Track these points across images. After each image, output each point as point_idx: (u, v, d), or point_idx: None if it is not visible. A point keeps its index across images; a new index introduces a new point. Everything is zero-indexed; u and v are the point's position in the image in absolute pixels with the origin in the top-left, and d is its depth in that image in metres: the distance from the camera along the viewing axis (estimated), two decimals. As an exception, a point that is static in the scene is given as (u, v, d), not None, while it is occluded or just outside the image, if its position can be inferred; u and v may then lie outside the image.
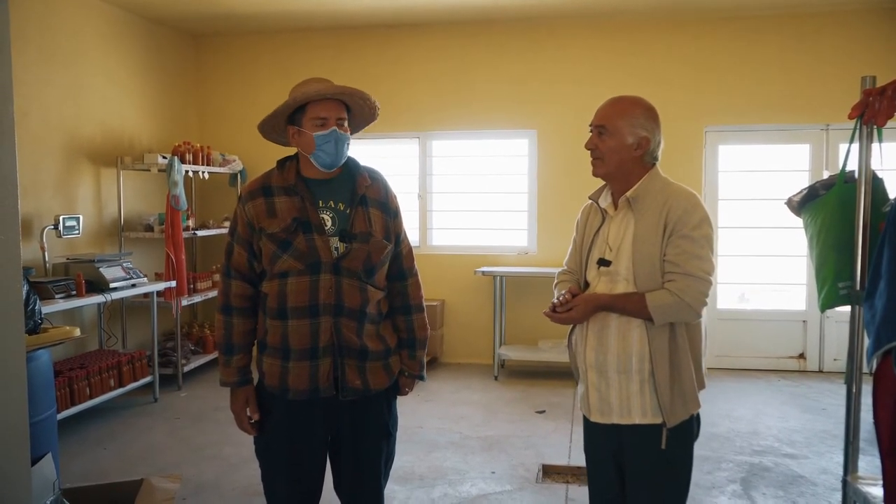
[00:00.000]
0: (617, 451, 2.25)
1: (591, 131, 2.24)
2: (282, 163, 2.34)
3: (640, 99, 2.23)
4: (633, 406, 2.16)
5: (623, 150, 2.18)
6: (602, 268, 2.21)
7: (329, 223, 2.25)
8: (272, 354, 2.27)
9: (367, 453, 2.35)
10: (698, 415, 2.24)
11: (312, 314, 2.22)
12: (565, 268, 2.43)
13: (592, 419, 2.27)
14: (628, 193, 2.19)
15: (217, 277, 6.46)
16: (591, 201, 2.36)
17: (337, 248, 2.23)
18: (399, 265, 2.41)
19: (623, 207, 2.22)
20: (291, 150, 2.35)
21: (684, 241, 2.09)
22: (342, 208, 2.27)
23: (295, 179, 2.27)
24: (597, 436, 2.31)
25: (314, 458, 2.34)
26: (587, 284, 2.28)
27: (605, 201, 2.29)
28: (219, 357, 2.37)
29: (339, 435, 2.33)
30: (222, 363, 2.33)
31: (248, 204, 2.28)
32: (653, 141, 2.19)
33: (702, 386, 2.21)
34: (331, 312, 2.22)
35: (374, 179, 2.35)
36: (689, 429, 2.20)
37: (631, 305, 2.12)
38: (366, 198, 2.30)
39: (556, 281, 2.43)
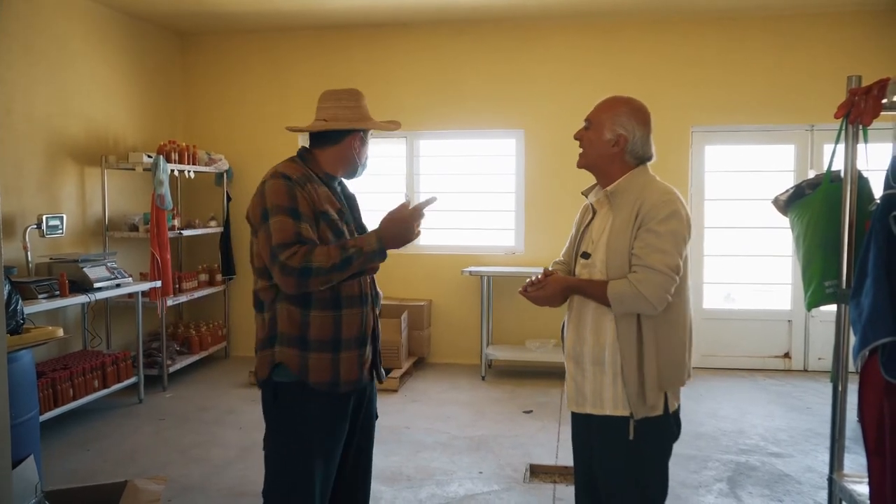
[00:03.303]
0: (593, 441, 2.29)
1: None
2: (302, 155, 2.33)
3: (632, 100, 2.26)
4: (605, 397, 2.19)
5: (600, 144, 2.23)
6: (583, 260, 2.28)
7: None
8: (320, 349, 2.19)
9: (370, 439, 2.45)
10: (677, 414, 2.23)
11: (363, 303, 2.28)
12: (560, 258, 2.47)
13: (569, 408, 2.33)
14: (607, 189, 2.25)
15: (203, 277, 6.41)
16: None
17: None
18: None
19: (605, 203, 2.27)
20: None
21: (649, 234, 2.11)
22: (343, 201, 2.39)
23: (322, 172, 2.32)
24: (578, 426, 2.36)
25: (340, 454, 2.34)
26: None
27: (594, 197, 2.34)
28: (355, 260, 2.12)
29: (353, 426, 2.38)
30: (365, 257, 2.13)
31: (308, 186, 2.19)
32: (631, 141, 2.21)
33: (673, 384, 2.17)
34: (370, 302, 2.32)
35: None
36: (665, 426, 2.19)
37: (594, 291, 2.17)
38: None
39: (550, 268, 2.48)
